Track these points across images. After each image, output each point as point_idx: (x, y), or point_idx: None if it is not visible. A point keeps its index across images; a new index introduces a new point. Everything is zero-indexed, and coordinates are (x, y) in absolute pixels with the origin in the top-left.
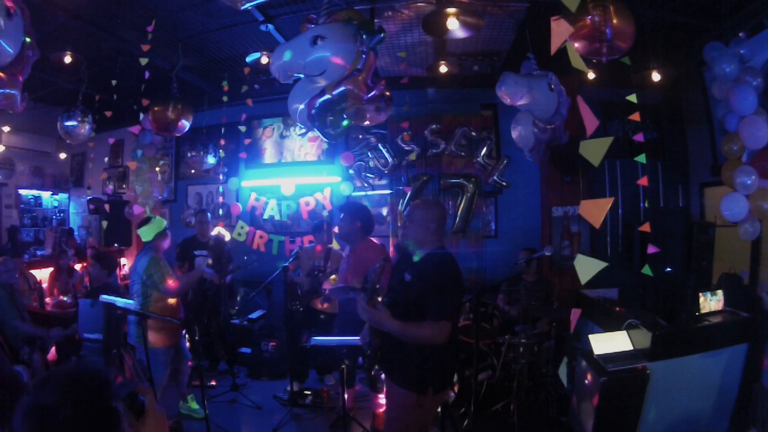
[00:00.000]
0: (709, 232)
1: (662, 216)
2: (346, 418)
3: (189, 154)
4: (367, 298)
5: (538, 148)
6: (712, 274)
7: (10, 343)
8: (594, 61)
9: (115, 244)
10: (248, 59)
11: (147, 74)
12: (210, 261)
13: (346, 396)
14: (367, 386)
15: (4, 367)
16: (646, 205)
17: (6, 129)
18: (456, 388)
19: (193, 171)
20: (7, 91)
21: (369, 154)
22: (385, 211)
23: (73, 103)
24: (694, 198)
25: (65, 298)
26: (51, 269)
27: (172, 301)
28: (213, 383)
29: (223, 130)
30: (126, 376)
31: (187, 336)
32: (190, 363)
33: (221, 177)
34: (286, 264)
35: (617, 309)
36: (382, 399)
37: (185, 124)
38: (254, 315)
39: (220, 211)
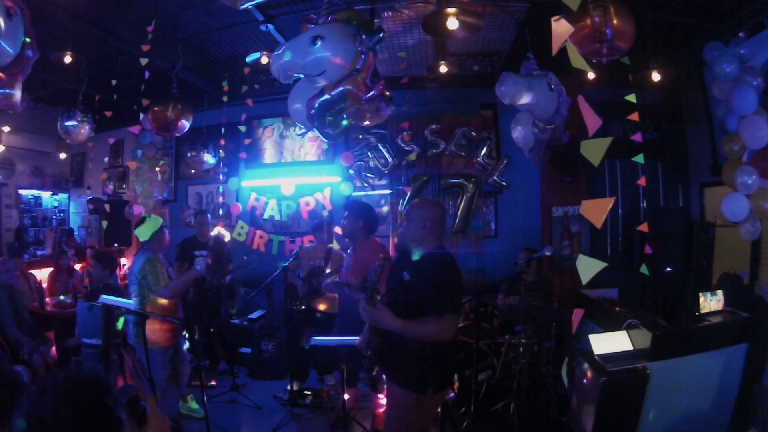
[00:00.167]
0: (709, 232)
1: (662, 216)
2: (346, 418)
3: (189, 154)
4: (366, 297)
5: (538, 148)
6: (712, 274)
7: (10, 343)
8: (594, 61)
9: (115, 244)
10: (248, 59)
11: (147, 74)
12: (210, 261)
13: (346, 396)
14: (367, 386)
15: (4, 367)
16: (645, 205)
17: (6, 129)
18: (456, 388)
19: (193, 171)
20: (7, 91)
21: (369, 154)
22: (385, 211)
23: (73, 103)
24: (694, 198)
25: (65, 298)
26: (51, 269)
27: (169, 301)
28: (213, 383)
29: (223, 130)
30: (126, 377)
31: (186, 336)
32: (189, 363)
33: (221, 177)
34: (286, 264)
35: (617, 309)
36: (382, 399)
37: (185, 124)
38: (254, 315)
39: (220, 211)
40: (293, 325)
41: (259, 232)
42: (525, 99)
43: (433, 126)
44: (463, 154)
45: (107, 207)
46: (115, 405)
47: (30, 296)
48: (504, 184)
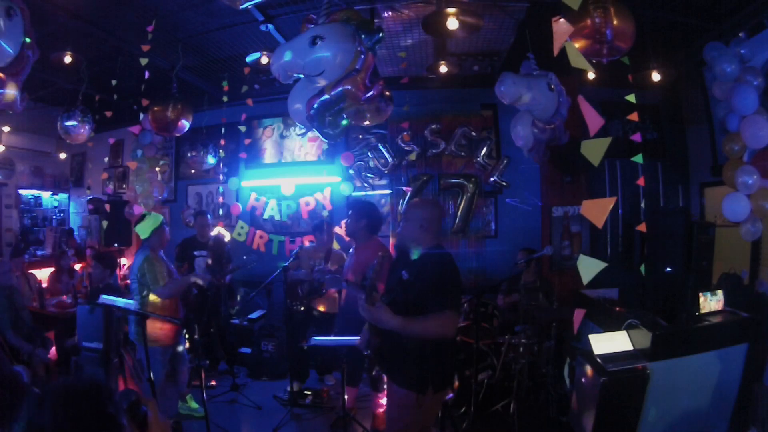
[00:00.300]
0: (709, 232)
1: (662, 216)
2: (346, 418)
3: (189, 154)
4: (366, 296)
5: (538, 148)
6: (712, 274)
7: (10, 343)
8: (594, 61)
9: (115, 244)
10: (248, 59)
11: (147, 74)
12: (209, 261)
13: (346, 396)
14: (367, 386)
15: (4, 367)
16: (643, 205)
17: (6, 129)
18: (456, 387)
19: (193, 171)
20: (7, 91)
21: (369, 154)
22: (385, 211)
23: (73, 103)
24: (694, 198)
25: (65, 298)
26: (51, 269)
27: (169, 300)
28: (213, 383)
29: (223, 130)
30: (126, 377)
31: (186, 336)
32: (189, 363)
33: (221, 177)
34: (286, 264)
35: (617, 309)
36: (382, 399)
37: (185, 124)
38: (254, 315)
39: (220, 211)
40: (293, 325)
41: (259, 232)
42: (524, 99)
43: (433, 126)
44: (463, 154)
45: (107, 207)
46: (117, 411)
47: (30, 296)
48: (504, 184)
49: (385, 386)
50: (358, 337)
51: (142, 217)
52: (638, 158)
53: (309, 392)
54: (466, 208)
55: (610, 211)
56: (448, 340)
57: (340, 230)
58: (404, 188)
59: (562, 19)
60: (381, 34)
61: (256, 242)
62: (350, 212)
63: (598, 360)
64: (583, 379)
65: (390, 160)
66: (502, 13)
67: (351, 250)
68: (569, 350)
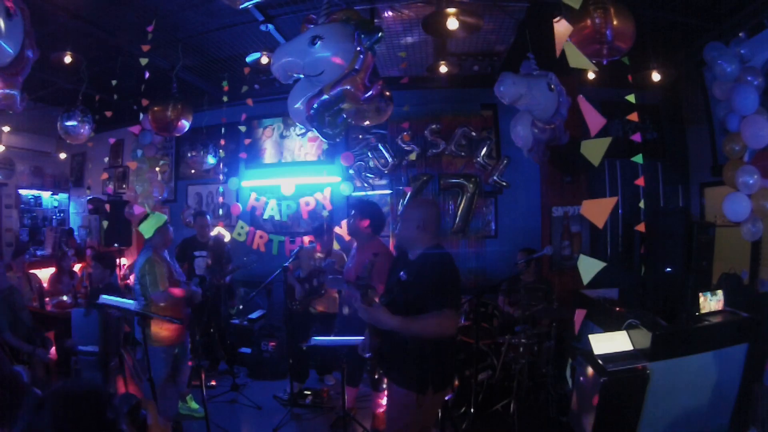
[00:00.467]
0: (709, 232)
1: (662, 216)
2: (346, 418)
3: (189, 154)
4: (361, 295)
5: (538, 148)
6: (712, 274)
7: (10, 344)
8: (594, 61)
9: (115, 244)
10: (248, 59)
11: (147, 74)
12: (209, 261)
13: (346, 396)
14: (368, 386)
15: (4, 367)
16: (641, 205)
17: (6, 129)
18: (456, 385)
19: (193, 171)
20: (8, 91)
21: (369, 154)
22: (385, 211)
23: (73, 103)
24: (694, 198)
25: (65, 298)
26: (51, 270)
27: (177, 291)
28: (213, 383)
29: (223, 130)
30: (126, 377)
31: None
32: (189, 363)
33: (221, 177)
34: (286, 264)
35: (617, 309)
36: (383, 399)
37: (185, 124)
38: (254, 315)
39: (220, 211)
40: (293, 325)
41: (259, 232)
42: (524, 99)
43: (433, 126)
44: (463, 154)
45: (107, 207)
46: (116, 416)
47: (31, 296)
48: (504, 184)
49: (384, 386)
50: (358, 337)
51: (145, 216)
52: (638, 158)
53: (309, 392)
54: (466, 208)
55: (610, 211)
56: (448, 339)
57: (340, 230)
58: (404, 188)
59: (562, 20)
60: (380, 34)
61: (256, 242)
62: (353, 212)
63: (599, 360)
64: (583, 379)
65: (390, 160)
66: (502, 13)
67: (352, 251)
68: (569, 350)
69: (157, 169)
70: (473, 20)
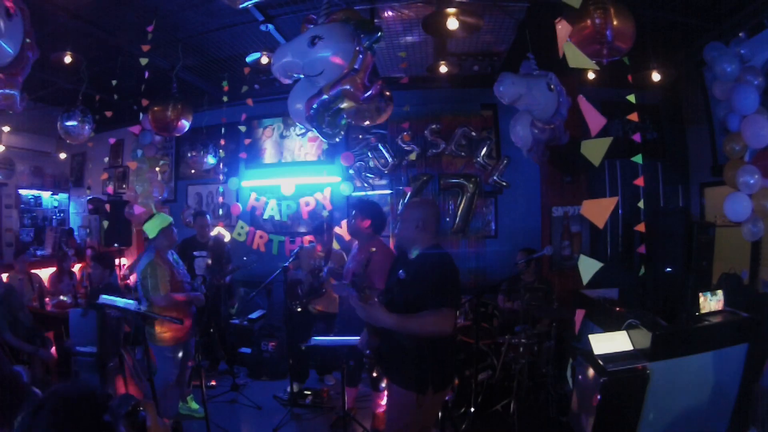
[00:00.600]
0: (709, 232)
1: (662, 216)
2: (346, 418)
3: (189, 154)
4: (356, 293)
5: (537, 148)
6: (712, 274)
7: (11, 344)
8: (594, 61)
9: (116, 244)
10: (248, 59)
11: (147, 74)
12: (209, 261)
13: (346, 396)
14: (368, 386)
15: (4, 367)
16: (641, 205)
17: (6, 129)
18: (456, 385)
19: (193, 171)
20: (7, 91)
21: (369, 154)
22: (385, 211)
23: (73, 103)
24: (694, 198)
25: (65, 298)
26: (51, 270)
27: (179, 297)
28: (213, 383)
29: (223, 130)
30: (126, 377)
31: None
32: (190, 363)
33: (221, 177)
34: (286, 264)
35: (617, 309)
36: (383, 399)
37: (185, 124)
38: (254, 315)
39: (220, 211)
40: (293, 325)
41: (259, 232)
42: (523, 99)
43: (433, 126)
44: (463, 154)
45: (107, 207)
46: (114, 419)
47: (31, 296)
48: (504, 184)
49: (383, 386)
50: (359, 337)
51: (150, 216)
52: (638, 158)
53: (309, 392)
54: (466, 208)
55: (611, 211)
56: (447, 339)
57: (340, 230)
58: (404, 188)
59: (562, 20)
60: (380, 34)
61: (256, 242)
62: (353, 212)
63: (599, 360)
64: (583, 379)
65: (390, 160)
66: (502, 13)
67: (353, 251)
68: (569, 350)
69: (157, 169)
70: (473, 20)
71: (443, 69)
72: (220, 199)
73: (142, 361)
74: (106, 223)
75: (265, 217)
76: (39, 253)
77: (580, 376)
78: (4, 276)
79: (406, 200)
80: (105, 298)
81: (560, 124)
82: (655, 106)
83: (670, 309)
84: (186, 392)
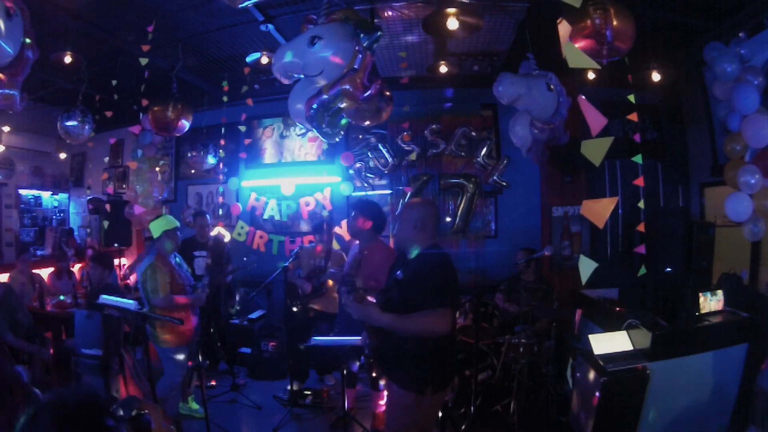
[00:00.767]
0: (709, 232)
1: (662, 216)
2: (346, 418)
3: (189, 154)
4: (348, 291)
5: (536, 148)
6: (712, 274)
7: (11, 344)
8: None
9: (116, 244)
10: (248, 59)
11: (147, 74)
12: (209, 261)
13: (346, 396)
14: (368, 386)
15: (4, 367)
16: (641, 205)
17: (6, 129)
18: (456, 385)
19: (193, 171)
20: (7, 91)
21: (369, 154)
22: (385, 211)
23: (73, 103)
24: (694, 198)
25: (65, 298)
26: (52, 269)
27: (179, 299)
28: (213, 383)
29: (223, 130)
30: (126, 377)
31: None
32: (189, 363)
33: (221, 177)
34: (286, 264)
35: (617, 309)
36: (383, 399)
37: (185, 124)
38: (254, 315)
39: (220, 211)
40: (293, 325)
41: (259, 232)
42: (523, 99)
43: (433, 126)
44: (463, 154)
45: (107, 207)
46: (118, 424)
47: (32, 296)
48: (504, 184)
49: (382, 385)
50: (358, 337)
51: (157, 216)
52: (638, 158)
53: (309, 392)
54: (466, 208)
55: (610, 211)
56: (447, 339)
57: (340, 230)
58: (404, 188)
59: (563, 21)
60: (379, 33)
61: (256, 242)
62: (353, 212)
63: (599, 360)
64: (583, 379)
65: (390, 160)
66: (502, 13)
67: (353, 251)
68: (569, 350)
69: (157, 169)
70: (473, 20)
71: (443, 69)
72: (220, 199)
73: (142, 361)
74: (106, 223)
75: (265, 217)
76: (39, 253)
77: (580, 376)
78: (6, 276)
79: (406, 200)
80: (105, 298)
81: (560, 124)
82: (655, 106)
83: (670, 309)
84: (187, 392)
